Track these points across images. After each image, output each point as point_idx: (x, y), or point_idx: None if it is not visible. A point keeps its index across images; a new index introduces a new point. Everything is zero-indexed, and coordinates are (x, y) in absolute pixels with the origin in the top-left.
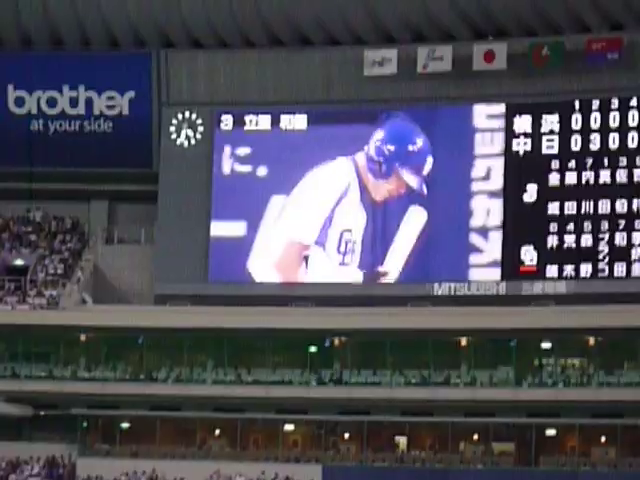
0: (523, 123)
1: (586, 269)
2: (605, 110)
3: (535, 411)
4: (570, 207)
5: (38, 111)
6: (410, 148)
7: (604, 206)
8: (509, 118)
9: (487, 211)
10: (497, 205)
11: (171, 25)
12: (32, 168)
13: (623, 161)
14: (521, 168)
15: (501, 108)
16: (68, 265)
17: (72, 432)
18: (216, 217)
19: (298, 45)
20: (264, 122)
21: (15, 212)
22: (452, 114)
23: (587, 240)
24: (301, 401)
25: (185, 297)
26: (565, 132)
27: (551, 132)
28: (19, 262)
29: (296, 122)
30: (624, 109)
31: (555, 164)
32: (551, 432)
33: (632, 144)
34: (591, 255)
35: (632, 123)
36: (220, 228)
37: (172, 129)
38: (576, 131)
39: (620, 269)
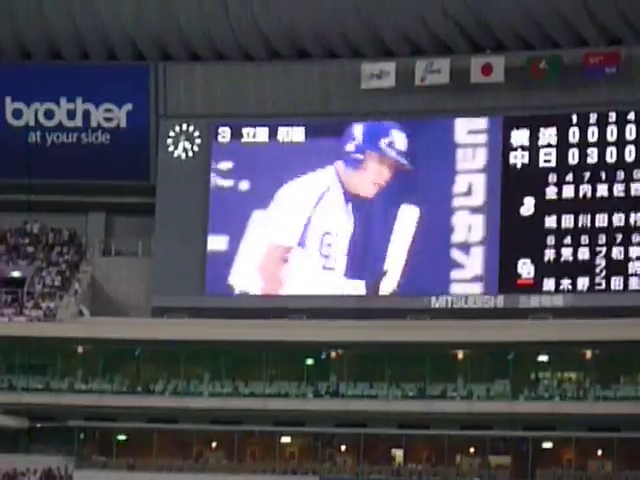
0: (520, 136)
1: (583, 282)
2: (603, 124)
3: (532, 424)
4: (567, 220)
5: (36, 123)
6: (384, 140)
7: (601, 220)
8: (506, 131)
9: (469, 227)
10: (479, 221)
11: (169, 38)
12: (30, 180)
13: (620, 175)
14: (518, 181)
15: (483, 123)
16: (65, 277)
17: (69, 444)
18: (213, 231)
19: (296, 58)
20: (262, 134)
21: (12, 224)
22: (436, 128)
23: (584, 253)
24: (298, 413)
25: (182, 309)
26: (562, 145)
27: (548, 145)
28: (16, 274)
29: (294, 134)
30: (622, 123)
31: (552, 177)
32: (548, 445)
33: (629, 158)
34: (588, 269)
35: (629, 137)
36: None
37: (169, 141)
38: (573, 144)
39: (617, 283)
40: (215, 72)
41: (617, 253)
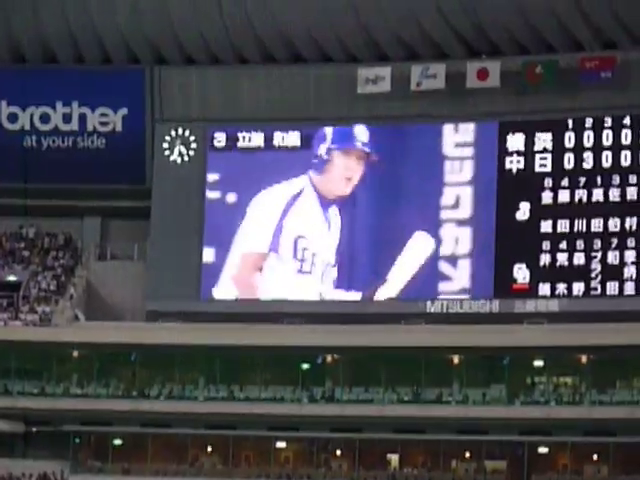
0: (516, 141)
1: (579, 287)
2: (598, 128)
3: (527, 429)
4: (563, 225)
5: (31, 127)
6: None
7: (597, 224)
8: (502, 136)
9: (456, 239)
10: (467, 233)
11: (164, 42)
12: (25, 184)
13: (616, 179)
14: (514, 186)
15: (472, 132)
16: (61, 281)
17: (64, 449)
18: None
19: (291, 62)
20: (257, 139)
21: (8, 228)
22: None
23: (580, 258)
24: (293, 418)
25: (177, 314)
26: (558, 150)
27: (544, 150)
28: (12, 278)
29: (289, 139)
30: (617, 127)
31: (548, 182)
32: (543, 450)
33: (625, 162)
34: (584, 273)
35: (625, 141)
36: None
37: (165, 145)
38: (569, 149)
39: (612, 287)
40: (210, 76)
41: (613, 258)
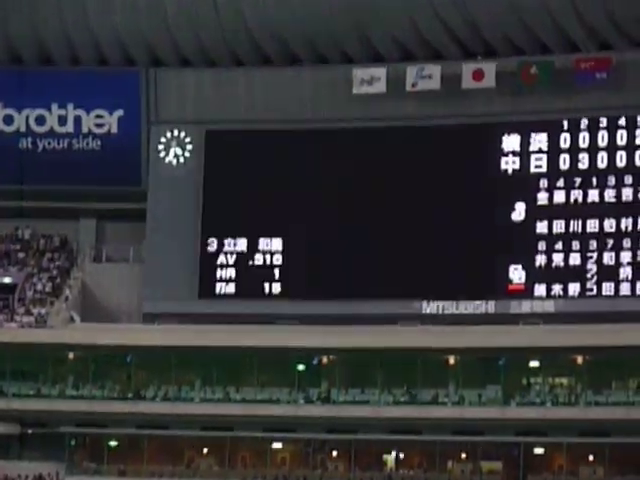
0: (511, 142)
1: (574, 288)
2: (594, 129)
3: (523, 430)
4: (558, 226)
5: (27, 129)
6: None
7: (592, 225)
8: (498, 136)
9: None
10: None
11: (160, 44)
12: (21, 186)
13: (611, 180)
14: (509, 187)
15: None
16: (56, 283)
17: (60, 450)
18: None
19: (287, 64)
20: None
21: (4, 230)
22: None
23: (575, 259)
24: (289, 419)
25: (173, 315)
26: (553, 151)
27: (539, 151)
28: (7, 280)
29: None
30: (613, 128)
31: (543, 183)
32: (539, 451)
33: (620, 163)
34: (579, 274)
35: (620, 142)
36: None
37: (161, 147)
38: (565, 150)
39: (608, 288)
40: (206, 78)
41: (608, 258)
